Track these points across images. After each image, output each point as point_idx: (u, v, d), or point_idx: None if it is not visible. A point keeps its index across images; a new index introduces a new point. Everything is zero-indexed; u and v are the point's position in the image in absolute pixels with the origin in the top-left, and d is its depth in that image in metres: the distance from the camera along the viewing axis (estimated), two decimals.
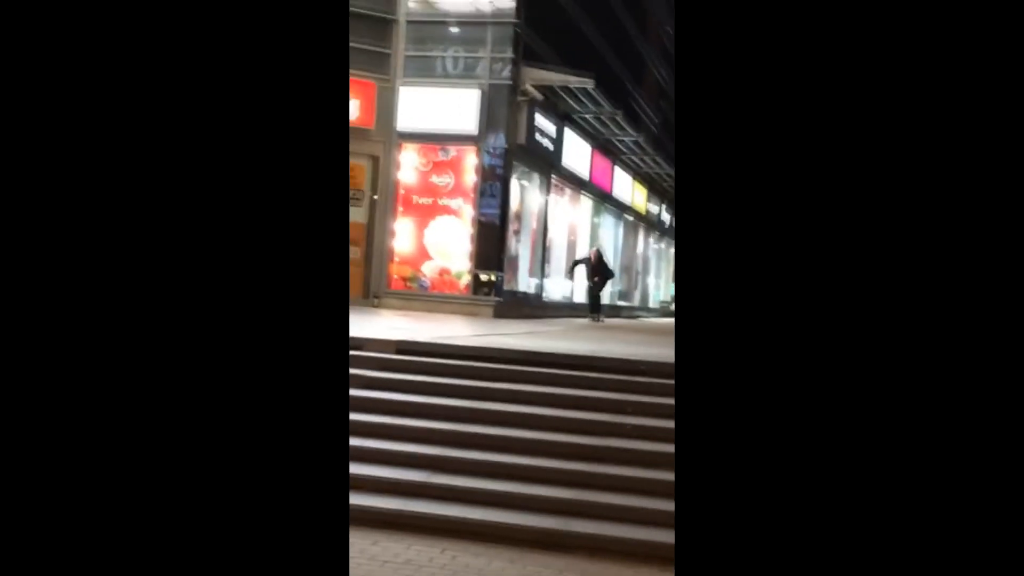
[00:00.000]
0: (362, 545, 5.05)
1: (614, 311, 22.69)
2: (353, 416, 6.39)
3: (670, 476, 5.79)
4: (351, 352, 7.34)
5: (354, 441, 6.14)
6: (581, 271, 18.04)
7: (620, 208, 24.52)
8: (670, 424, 6.36)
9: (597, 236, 21.77)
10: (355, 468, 5.86)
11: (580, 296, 19.82)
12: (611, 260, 20.40)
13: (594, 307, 17.61)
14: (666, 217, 30.88)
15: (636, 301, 27.31)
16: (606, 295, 21.63)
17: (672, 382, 7.01)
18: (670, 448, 6.08)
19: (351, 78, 14.04)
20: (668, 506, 5.53)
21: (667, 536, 5.28)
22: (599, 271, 17.34)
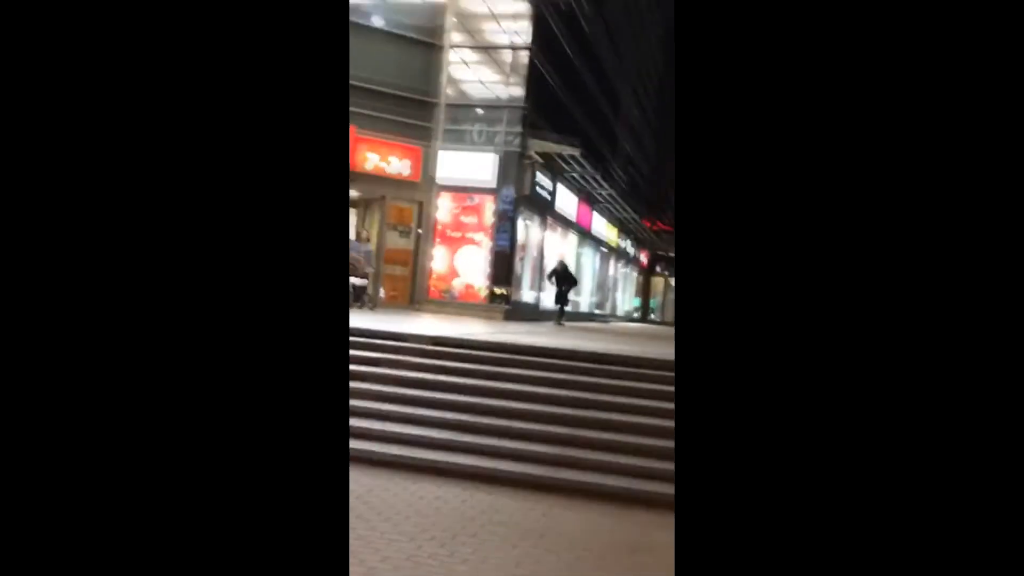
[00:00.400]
0: (405, 484, 5.16)
1: (591, 317, 22.69)
2: (400, 391, 6.53)
3: (635, 440, 5.87)
4: (400, 343, 7.51)
5: (402, 408, 6.27)
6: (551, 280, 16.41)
7: (597, 242, 24.51)
8: (635, 401, 6.45)
9: (580, 263, 21.79)
10: (402, 428, 5.99)
11: (585, 304, 19.94)
12: (582, 274, 20.31)
13: (560, 312, 14.88)
14: (631, 250, 30.86)
15: (608, 310, 27.31)
16: (585, 304, 21.62)
17: (635, 369, 7.11)
18: (635, 419, 6.17)
19: (405, 144, 14.17)
20: (634, 461, 5.61)
21: (633, 484, 5.35)
22: (565, 280, 14.81)
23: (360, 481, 5.08)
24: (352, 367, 6.91)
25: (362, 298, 12.29)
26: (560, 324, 14.61)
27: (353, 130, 13.60)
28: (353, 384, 6.61)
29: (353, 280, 11.98)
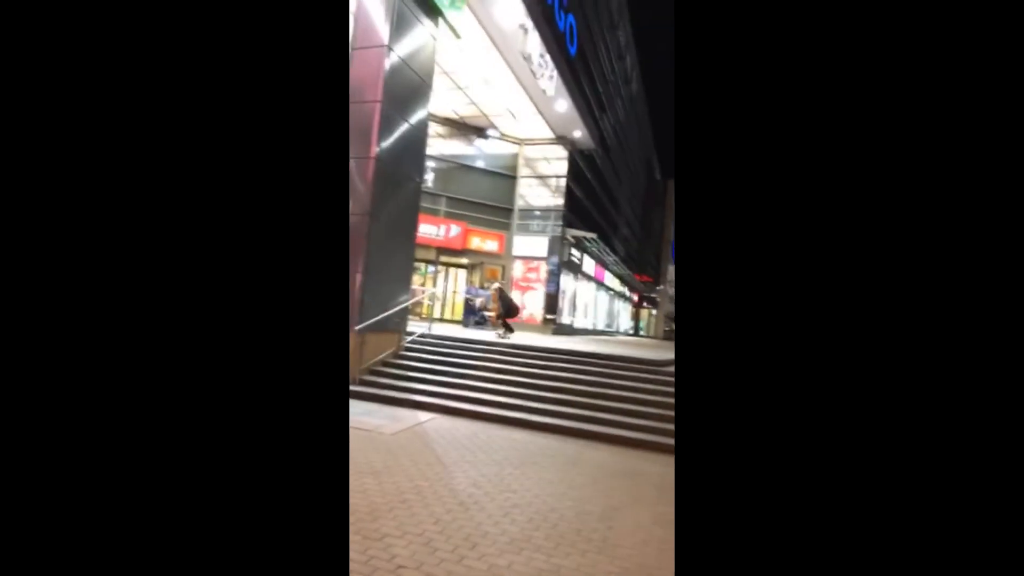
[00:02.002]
0: (493, 431, 5.04)
1: (603, 333, 22.29)
2: (493, 375, 6.49)
3: (631, 407, 5.73)
4: (493, 347, 7.43)
5: (494, 385, 6.22)
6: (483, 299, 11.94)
7: (607, 288, 24.11)
8: (630, 383, 6.31)
9: (596, 301, 21.54)
10: (493, 396, 5.94)
11: (600, 325, 19.88)
12: (599, 309, 20.05)
13: (507, 327, 9.18)
14: (627, 292, 30.32)
15: (614, 328, 26.79)
16: (601, 324, 21.20)
17: (628, 364, 6.95)
18: (630, 394, 6.02)
19: (495, 232, 14.39)
20: (630, 420, 5.46)
21: (630, 433, 5.21)
22: (503, 302, 9.36)
23: (470, 428, 5.11)
24: (469, 361, 7.01)
25: (484, 320, 12.47)
26: (505, 336, 8.82)
27: (466, 224, 13.97)
28: (468, 371, 6.69)
29: (484, 313, 12.41)
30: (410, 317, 8.24)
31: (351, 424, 4.88)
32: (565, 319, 17.16)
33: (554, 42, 10.95)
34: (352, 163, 6.79)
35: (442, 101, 12.36)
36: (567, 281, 16.98)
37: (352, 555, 2.30)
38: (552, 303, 14.90)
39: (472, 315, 12.45)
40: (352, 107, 6.87)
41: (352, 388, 6.23)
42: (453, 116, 13.54)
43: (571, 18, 13.15)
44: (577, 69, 14.10)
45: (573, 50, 13.52)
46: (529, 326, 14.55)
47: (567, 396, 5.97)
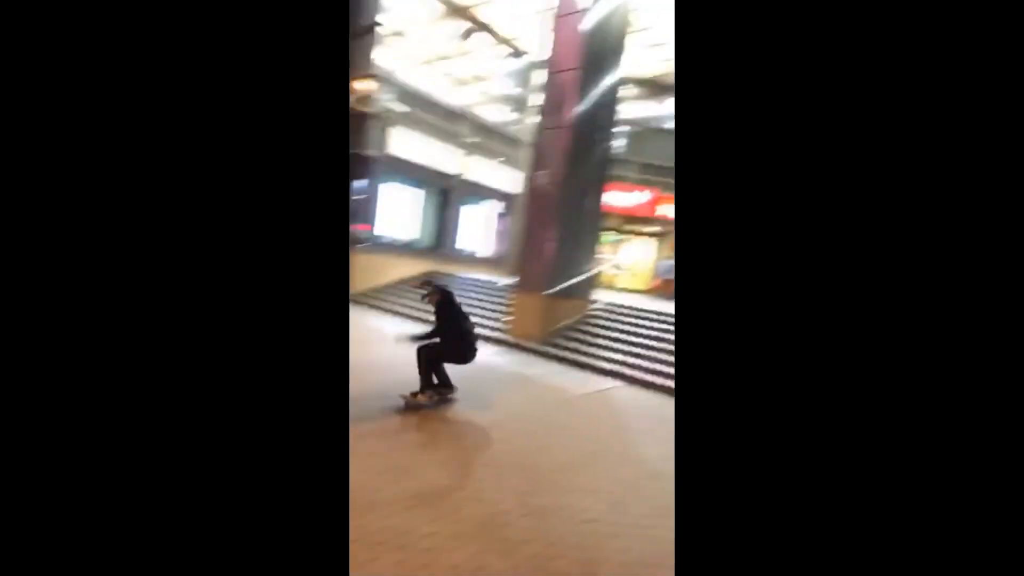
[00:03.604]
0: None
1: None
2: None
3: None
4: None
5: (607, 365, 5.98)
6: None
7: None
8: None
9: None
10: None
11: None
12: None
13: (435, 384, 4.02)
14: None
15: None
16: None
17: None
18: None
19: None
20: None
21: None
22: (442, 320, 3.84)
23: (653, 400, 5.01)
24: (653, 332, 6.82)
25: None
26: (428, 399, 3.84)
27: (658, 191, 13.36)
28: (652, 342, 6.51)
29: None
30: (596, 286, 8.33)
31: (538, 380, 5.22)
32: None
33: None
34: (547, 133, 7.00)
35: (634, 60, 11.82)
36: None
37: (545, 500, 2.50)
38: None
39: None
40: (549, 77, 7.03)
41: (539, 348, 6.62)
42: (644, 76, 12.87)
43: None
44: None
45: None
46: None
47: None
